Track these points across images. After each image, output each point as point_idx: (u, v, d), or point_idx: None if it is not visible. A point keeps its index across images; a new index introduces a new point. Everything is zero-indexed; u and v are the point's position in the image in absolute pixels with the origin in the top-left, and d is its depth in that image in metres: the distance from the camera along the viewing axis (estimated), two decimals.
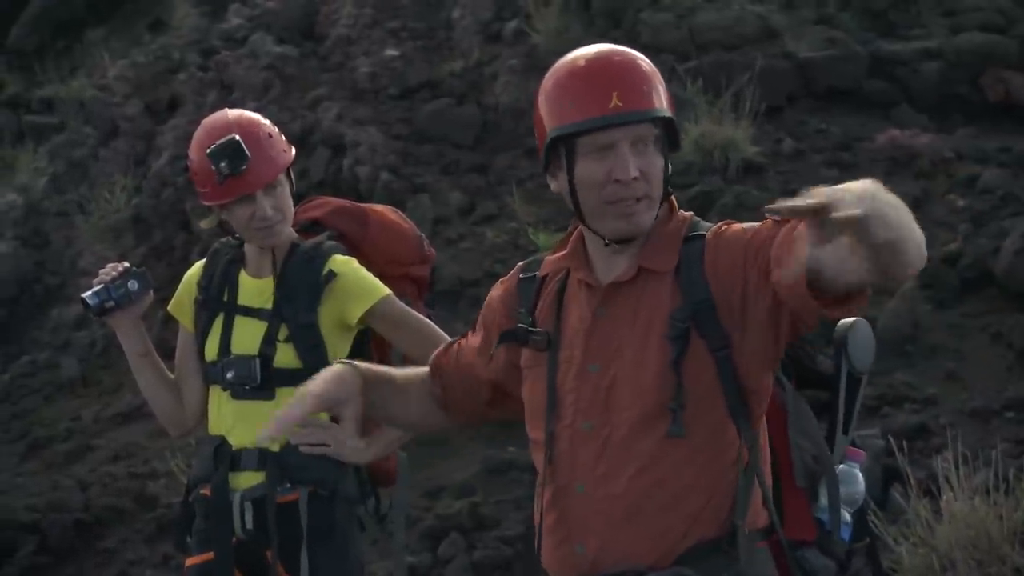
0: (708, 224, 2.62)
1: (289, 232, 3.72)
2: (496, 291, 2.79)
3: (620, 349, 2.55)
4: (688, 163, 8.77)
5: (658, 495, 2.51)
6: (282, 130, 3.78)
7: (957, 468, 5.34)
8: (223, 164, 3.59)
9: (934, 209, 8.24)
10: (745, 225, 2.56)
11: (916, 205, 8.24)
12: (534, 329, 2.65)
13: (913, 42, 10.05)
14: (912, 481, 5.48)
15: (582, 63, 2.57)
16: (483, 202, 9.27)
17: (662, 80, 2.60)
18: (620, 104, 2.50)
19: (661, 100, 2.56)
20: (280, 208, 3.66)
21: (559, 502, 2.58)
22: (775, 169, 8.81)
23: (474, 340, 2.82)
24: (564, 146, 2.55)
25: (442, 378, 2.83)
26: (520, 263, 2.79)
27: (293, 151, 3.75)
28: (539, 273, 2.70)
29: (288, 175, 3.71)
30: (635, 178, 2.51)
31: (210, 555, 3.63)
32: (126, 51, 13.10)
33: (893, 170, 8.69)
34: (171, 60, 11.64)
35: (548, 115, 2.58)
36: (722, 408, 2.51)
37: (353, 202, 3.95)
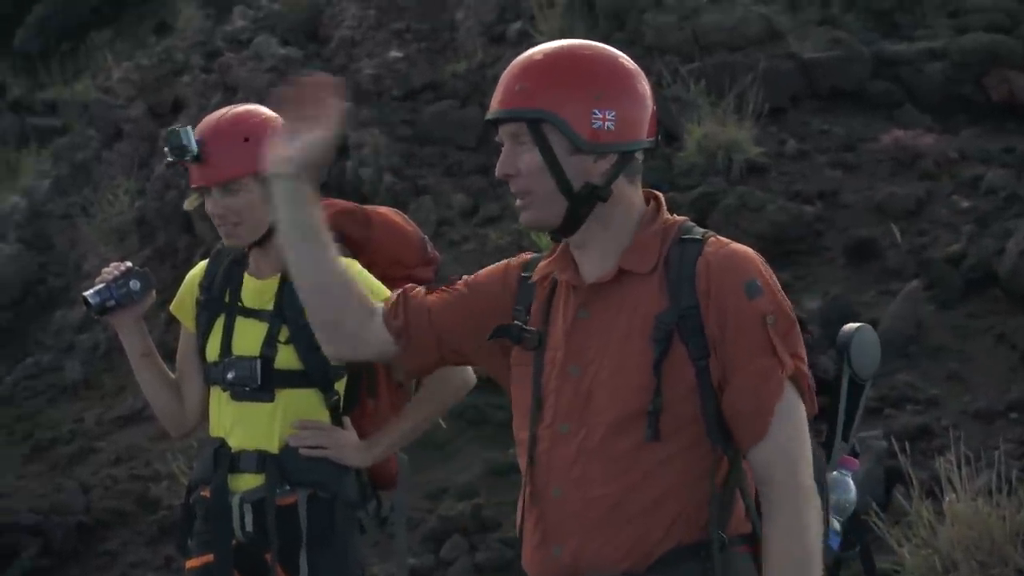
0: (701, 230, 2.58)
1: None
2: (499, 273, 2.71)
3: (600, 351, 2.53)
4: (691, 164, 8.77)
5: (633, 500, 2.48)
6: None
7: (960, 469, 5.34)
8: (167, 148, 3.62)
9: (938, 210, 8.22)
10: (737, 284, 2.49)
11: (920, 206, 8.24)
12: (527, 328, 2.63)
13: (917, 43, 10.03)
14: (915, 482, 5.47)
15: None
16: (486, 204, 9.26)
17: (579, 80, 2.52)
18: (495, 104, 2.58)
19: (546, 99, 2.51)
20: (237, 211, 3.60)
21: (537, 505, 2.56)
22: (778, 170, 8.80)
23: (451, 292, 2.71)
24: None
25: (407, 313, 2.70)
26: (523, 254, 2.75)
27: None
28: (533, 277, 2.67)
29: None
30: (508, 175, 2.57)
31: (210, 557, 3.62)
32: (130, 53, 13.12)
33: (897, 171, 8.67)
34: (175, 62, 11.64)
35: None
36: (699, 416, 2.48)
37: (357, 204, 3.94)
